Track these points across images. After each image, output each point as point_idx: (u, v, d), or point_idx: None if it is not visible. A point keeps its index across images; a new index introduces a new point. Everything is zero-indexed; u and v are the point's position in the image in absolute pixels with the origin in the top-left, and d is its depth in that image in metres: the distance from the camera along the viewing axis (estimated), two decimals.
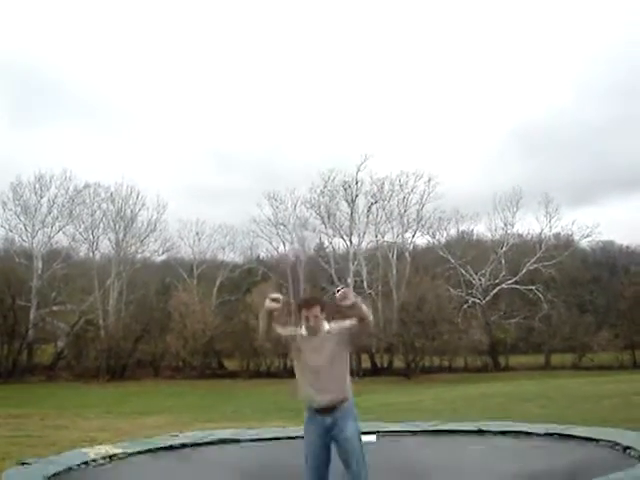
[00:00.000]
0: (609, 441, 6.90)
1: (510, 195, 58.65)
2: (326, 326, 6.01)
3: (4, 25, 77.07)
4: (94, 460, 5.84)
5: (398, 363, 53.17)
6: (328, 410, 5.88)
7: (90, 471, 5.61)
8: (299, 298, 5.63)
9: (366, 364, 52.87)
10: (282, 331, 6.06)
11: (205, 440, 6.92)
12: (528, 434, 7.89)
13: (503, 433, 8.09)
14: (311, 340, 5.94)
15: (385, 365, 54.56)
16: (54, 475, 5.11)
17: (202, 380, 49.35)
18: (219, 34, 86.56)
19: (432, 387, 37.06)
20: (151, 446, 6.93)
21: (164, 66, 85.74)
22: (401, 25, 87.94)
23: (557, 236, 60.57)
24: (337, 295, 5.72)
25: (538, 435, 7.76)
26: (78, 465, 5.60)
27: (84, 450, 6.13)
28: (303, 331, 6.01)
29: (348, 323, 5.98)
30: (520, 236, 60.98)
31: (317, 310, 5.96)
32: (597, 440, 7.14)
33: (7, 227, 55.97)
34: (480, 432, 8.22)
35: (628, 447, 6.17)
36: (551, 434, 7.18)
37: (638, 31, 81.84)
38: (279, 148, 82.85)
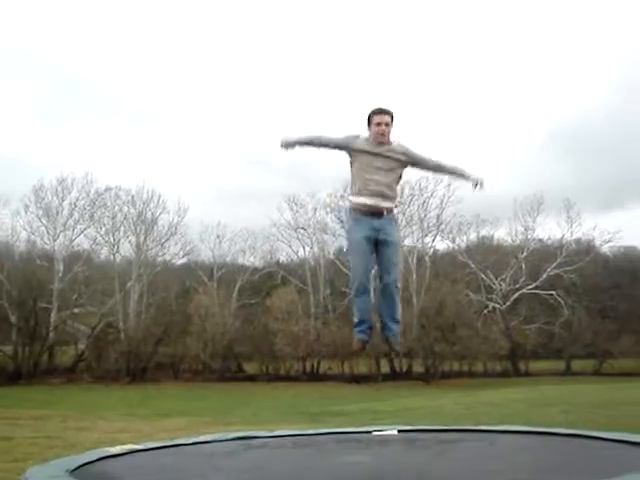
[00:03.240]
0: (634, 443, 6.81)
1: (531, 200, 58.47)
2: (392, 139, 6.12)
3: (30, 21, 77.53)
4: (117, 455, 5.88)
5: (417, 368, 53.08)
6: (380, 213, 6.01)
7: (113, 463, 5.65)
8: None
9: (385, 369, 52.82)
10: (333, 138, 6.19)
11: (224, 439, 6.94)
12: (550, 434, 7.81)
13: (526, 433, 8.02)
14: (376, 147, 6.03)
15: (404, 370, 54.46)
16: (77, 468, 5.14)
17: (221, 383, 49.48)
18: (243, 35, 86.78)
19: (452, 392, 36.94)
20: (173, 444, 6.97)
21: (188, 67, 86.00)
22: (416, 24, 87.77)
23: (578, 241, 60.33)
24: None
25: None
26: (101, 459, 5.64)
27: (106, 449, 6.16)
28: (368, 136, 6.11)
29: (419, 154, 6.21)
30: (541, 241, 60.77)
31: (389, 119, 6.07)
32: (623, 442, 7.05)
33: (29, 230, 56.56)
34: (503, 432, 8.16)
35: None
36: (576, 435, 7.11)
37: None
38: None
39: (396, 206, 6.27)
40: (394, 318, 6.17)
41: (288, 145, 6.14)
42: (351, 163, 6.13)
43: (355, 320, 6.13)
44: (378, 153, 6.00)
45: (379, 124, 5.99)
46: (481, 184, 6.22)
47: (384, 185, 6.01)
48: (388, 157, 6.02)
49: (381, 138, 6.00)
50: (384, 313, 6.16)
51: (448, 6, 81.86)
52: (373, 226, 5.98)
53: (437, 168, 6.47)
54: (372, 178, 5.97)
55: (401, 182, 6.29)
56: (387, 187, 6.03)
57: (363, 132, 6.16)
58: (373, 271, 6.08)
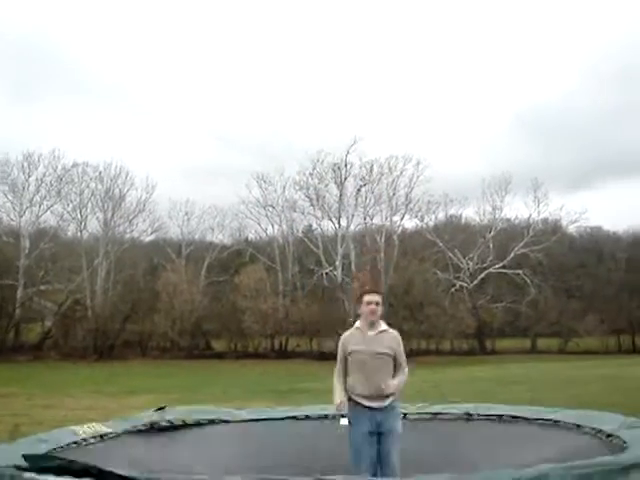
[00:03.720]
0: (593, 428, 6.94)
1: (499, 179, 58.84)
2: (382, 324, 6.27)
3: None
4: (84, 440, 5.84)
5: None
6: (378, 408, 6.02)
7: (80, 450, 5.61)
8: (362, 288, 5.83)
9: None
10: (342, 363, 6.21)
11: (194, 418, 6.97)
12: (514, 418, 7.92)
13: (490, 417, 8.13)
14: (367, 333, 6.16)
15: None
16: (45, 454, 5.11)
17: (189, 360, 49.42)
18: (212, 17, 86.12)
19: (419, 369, 37.14)
20: (140, 424, 6.96)
21: (156, 45, 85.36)
22: (392, 7, 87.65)
23: (545, 221, 60.86)
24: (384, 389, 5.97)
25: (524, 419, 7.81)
26: (67, 444, 5.60)
27: (73, 428, 6.13)
28: (357, 324, 6.28)
29: (400, 350, 6.28)
30: (508, 221, 61.23)
31: (379, 298, 6.26)
32: (581, 426, 7.18)
33: None
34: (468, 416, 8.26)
35: (610, 435, 6.23)
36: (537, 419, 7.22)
37: None
38: (270, 129, 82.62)
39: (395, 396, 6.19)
40: None
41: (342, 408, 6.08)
42: (347, 361, 6.17)
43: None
44: (371, 340, 6.10)
45: (369, 303, 6.16)
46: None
47: (380, 380, 6.02)
48: (380, 342, 6.13)
49: (372, 317, 6.17)
50: None
51: None
52: (375, 420, 5.98)
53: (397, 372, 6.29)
54: (368, 375, 6.03)
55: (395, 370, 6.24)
56: (380, 381, 6.02)
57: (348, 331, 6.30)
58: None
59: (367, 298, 6.18)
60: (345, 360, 6.13)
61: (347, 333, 6.25)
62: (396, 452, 5.97)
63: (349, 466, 5.88)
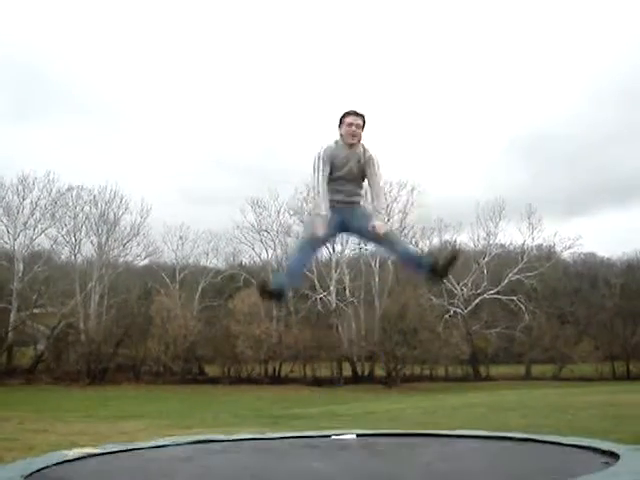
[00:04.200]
0: (587, 447, 6.91)
1: (493, 205, 59.04)
2: (360, 147, 6.15)
3: None
4: (74, 459, 5.82)
5: (379, 372, 53.25)
6: (351, 204, 6.14)
7: (69, 468, 5.59)
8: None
9: (347, 372, 52.96)
10: (326, 171, 6.06)
11: (182, 442, 6.91)
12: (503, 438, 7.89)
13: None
14: (345, 150, 6.07)
15: (366, 373, 54.60)
16: (34, 473, 5.08)
17: (183, 385, 49.24)
18: (208, 41, 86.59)
19: (413, 396, 37.14)
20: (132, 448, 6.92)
21: (151, 67, 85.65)
22: (384, 30, 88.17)
23: (539, 247, 61.06)
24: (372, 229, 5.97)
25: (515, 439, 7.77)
26: (57, 464, 5.57)
27: (64, 452, 6.10)
28: (338, 139, 6.13)
29: (379, 171, 6.22)
30: (502, 246, 61.29)
31: (361, 121, 6.12)
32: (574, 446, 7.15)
33: None
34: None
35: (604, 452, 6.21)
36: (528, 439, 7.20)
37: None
38: (264, 154, 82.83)
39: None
40: (411, 255, 6.50)
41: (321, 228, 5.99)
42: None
43: (284, 271, 6.30)
44: (347, 157, 6.05)
45: (350, 124, 6.04)
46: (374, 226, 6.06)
47: (354, 186, 6.15)
48: (355, 159, 6.09)
49: (351, 139, 6.03)
50: (414, 262, 6.37)
51: (415, 11, 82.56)
52: (343, 214, 6.08)
53: (375, 192, 6.29)
54: (343, 187, 6.08)
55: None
56: (357, 188, 6.18)
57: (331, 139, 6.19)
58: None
59: (349, 119, 6.06)
60: (329, 172, 6.05)
61: (327, 144, 6.10)
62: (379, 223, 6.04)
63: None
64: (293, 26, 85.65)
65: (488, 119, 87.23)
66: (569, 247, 60.01)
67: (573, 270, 64.91)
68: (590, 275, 63.87)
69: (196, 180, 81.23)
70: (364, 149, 6.13)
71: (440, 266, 6.13)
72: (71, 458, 5.80)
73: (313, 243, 6.10)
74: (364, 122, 6.14)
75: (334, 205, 6.01)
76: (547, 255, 60.87)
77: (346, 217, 6.08)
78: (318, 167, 5.96)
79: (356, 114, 6.11)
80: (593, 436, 8.30)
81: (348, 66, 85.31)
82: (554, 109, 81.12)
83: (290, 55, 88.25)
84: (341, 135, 6.10)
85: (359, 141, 6.10)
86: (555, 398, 25.74)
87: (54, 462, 5.55)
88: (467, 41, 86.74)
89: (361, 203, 6.26)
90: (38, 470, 5.18)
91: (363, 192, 6.26)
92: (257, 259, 62.74)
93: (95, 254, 56.67)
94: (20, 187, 54.60)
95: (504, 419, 17.66)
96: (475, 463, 5.59)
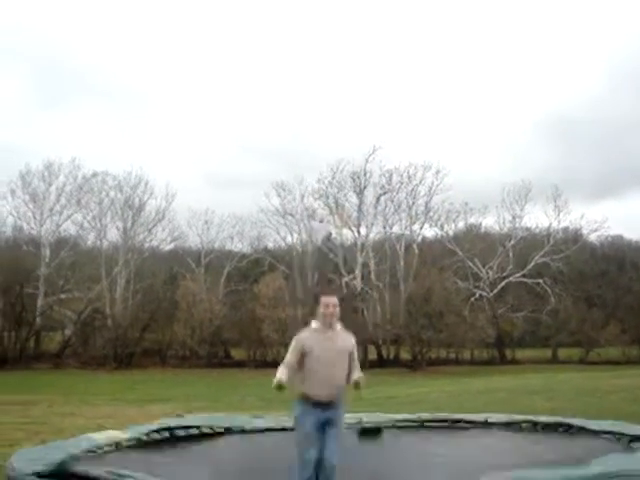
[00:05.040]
0: (614, 432, 6.88)
1: (519, 188, 58.61)
2: (338, 325, 6.28)
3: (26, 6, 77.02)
4: (102, 447, 5.86)
5: (404, 355, 53.19)
6: (330, 404, 6.09)
7: (98, 458, 5.63)
8: (317, 288, 5.85)
9: (372, 355, 52.92)
10: (294, 356, 6.18)
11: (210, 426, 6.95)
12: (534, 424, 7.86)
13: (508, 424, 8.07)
14: (325, 333, 6.18)
15: (391, 357, 54.56)
16: (63, 461, 5.12)
17: (209, 369, 49.43)
18: (235, 27, 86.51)
19: (438, 379, 37.06)
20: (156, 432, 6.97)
21: (176, 52, 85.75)
22: (410, 15, 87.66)
23: (565, 230, 60.56)
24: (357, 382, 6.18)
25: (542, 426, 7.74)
26: (86, 452, 5.61)
27: (91, 435, 6.14)
28: (314, 325, 6.25)
29: (355, 352, 6.40)
30: (528, 230, 60.94)
31: (336, 300, 6.25)
32: (601, 432, 7.12)
33: (16, 215, 56.26)
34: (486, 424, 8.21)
35: (633, 439, 6.16)
36: (556, 424, 7.17)
37: None
38: (289, 138, 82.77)
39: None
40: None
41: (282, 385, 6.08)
42: (305, 360, 6.15)
43: None
44: (328, 339, 6.15)
45: (327, 306, 6.18)
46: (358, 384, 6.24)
47: (337, 378, 6.14)
48: (337, 341, 6.21)
49: (329, 319, 6.19)
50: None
51: None
52: (323, 416, 6.07)
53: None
54: (326, 373, 6.07)
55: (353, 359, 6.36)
56: (340, 380, 6.16)
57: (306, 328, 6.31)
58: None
59: (324, 300, 6.19)
60: (297, 359, 6.12)
61: (303, 334, 6.24)
62: (338, 443, 6.09)
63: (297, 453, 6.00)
64: (317, 12, 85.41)
65: (514, 101, 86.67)
66: (596, 230, 59.55)
67: (600, 253, 64.38)
68: (617, 258, 63.33)
69: (221, 164, 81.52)
70: (346, 336, 6.33)
71: None
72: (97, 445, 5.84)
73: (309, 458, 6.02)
74: (340, 300, 6.32)
75: (314, 401, 6.08)
76: (574, 238, 60.39)
77: (326, 416, 6.08)
78: (289, 351, 6.20)
79: (330, 294, 6.30)
80: (622, 419, 8.25)
81: (374, 49, 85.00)
82: (581, 91, 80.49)
83: (316, 40, 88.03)
84: (318, 317, 6.22)
85: (336, 321, 6.22)
86: (582, 381, 25.57)
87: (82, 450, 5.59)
88: (494, 24, 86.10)
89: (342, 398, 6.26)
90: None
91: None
92: (282, 243, 62.84)
93: (121, 239, 57.00)
94: (46, 173, 55.05)
95: (530, 402, 17.59)
96: (501, 446, 5.58)
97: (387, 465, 6.17)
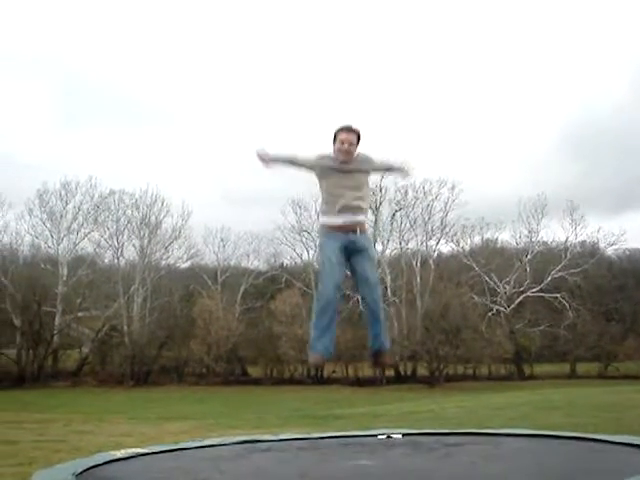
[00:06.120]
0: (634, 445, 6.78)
1: (535, 202, 58.47)
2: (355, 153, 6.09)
3: (40, 24, 77.72)
4: (122, 459, 5.87)
5: (422, 371, 53.03)
6: (353, 228, 5.95)
7: (118, 466, 5.64)
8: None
9: (390, 372, 52.78)
10: (306, 159, 6.10)
11: (228, 443, 6.93)
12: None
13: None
14: (341, 164, 5.98)
15: (409, 373, 54.40)
16: (83, 472, 5.12)
17: (225, 386, 49.49)
18: (246, 44, 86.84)
19: (456, 395, 36.91)
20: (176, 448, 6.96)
21: (193, 69, 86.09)
22: (423, 24, 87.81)
23: (582, 244, 60.32)
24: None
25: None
26: (106, 462, 5.62)
27: (111, 453, 6.15)
28: (333, 155, 6.06)
29: (377, 161, 6.22)
30: (545, 244, 60.71)
31: (354, 137, 6.01)
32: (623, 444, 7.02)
33: (33, 234, 56.74)
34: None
35: None
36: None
37: None
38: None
39: (367, 225, 6.25)
40: (379, 337, 6.23)
41: (266, 159, 6.04)
42: (320, 182, 6.07)
43: (314, 335, 6.15)
44: (345, 170, 5.97)
45: (343, 142, 5.95)
46: (406, 172, 6.23)
47: (354, 201, 5.96)
48: (354, 172, 6.01)
49: (345, 156, 5.97)
50: (370, 332, 6.24)
51: (460, 3, 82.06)
52: (347, 239, 5.93)
53: (387, 168, 6.46)
54: (342, 195, 5.92)
55: (370, 187, 6.26)
56: (357, 202, 5.99)
57: (329, 150, 6.11)
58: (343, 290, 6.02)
59: (342, 136, 5.96)
60: (310, 163, 6.07)
61: (324, 153, 6.06)
62: (374, 271, 6.08)
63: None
64: (329, 29, 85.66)
65: (529, 115, 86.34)
66: (613, 243, 59.24)
67: (618, 266, 63.99)
68: (635, 271, 62.92)
69: (236, 182, 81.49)
70: (359, 157, 6.10)
71: (379, 358, 6.31)
72: (119, 457, 5.85)
73: (329, 298, 6.09)
74: (359, 138, 6.06)
75: (334, 229, 5.98)
76: (591, 252, 60.12)
77: (349, 240, 5.97)
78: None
79: (349, 130, 6.03)
80: None
81: (387, 65, 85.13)
82: (598, 104, 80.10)
83: (331, 52, 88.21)
84: (334, 152, 6.03)
85: (352, 158, 6.02)
86: (601, 396, 25.39)
87: (103, 461, 5.61)
88: (510, 35, 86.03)
89: (366, 229, 6.16)
90: (88, 469, 5.23)
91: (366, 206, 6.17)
92: (298, 260, 62.88)
93: (137, 257, 57.28)
94: (63, 192, 55.61)
95: (549, 418, 17.47)
96: (520, 462, 5.53)
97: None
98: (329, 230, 6.00)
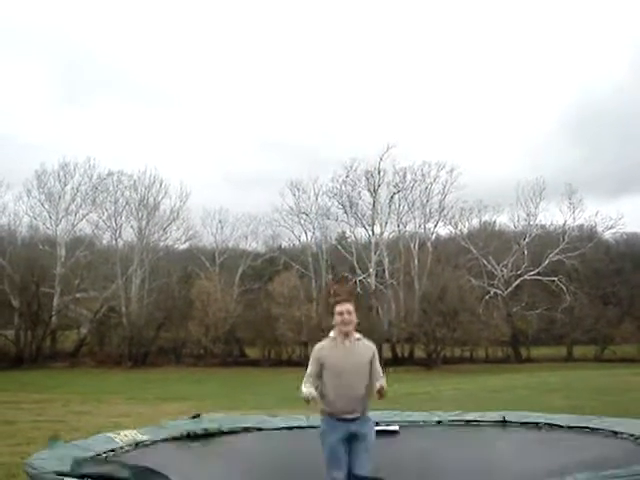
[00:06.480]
0: (631, 434, 6.84)
1: (533, 185, 58.40)
2: (356, 334, 6.10)
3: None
4: (121, 447, 5.88)
5: (419, 353, 53.16)
6: (354, 417, 5.95)
7: (118, 457, 5.65)
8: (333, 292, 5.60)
9: (387, 354, 52.90)
10: (314, 367, 6.09)
11: (228, 427, 6.96)
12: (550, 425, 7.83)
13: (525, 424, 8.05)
14: (343, 344, 6.02)
15: (406, 355, 54.52)
16: (83, 459, 5.14)
17: (223, 368, 49.52)
18: (250, 28, 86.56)
19: (453, 378, 36.99)
20: (175, 432, 6.99)
21: (191, 50, 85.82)
22: (424, 12, 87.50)
23: (580, 228, 60.28)
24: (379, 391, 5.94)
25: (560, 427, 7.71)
26: (104, 452, 5.63)
27: (109, 435, 6.16)
28: (332, 334, 6.10)
29: (376, 360, 6.15)
30: (543, 227, 60.68)
31: (350, 306, 6.07)
32: (619, 433, 7.08)
33: (31, 215, 56.59)
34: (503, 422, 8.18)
35: None
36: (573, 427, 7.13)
37: None
38: (303, 137, 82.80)
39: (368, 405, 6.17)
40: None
41: (312, 399, 5.99)
42: (322, 372, 6.06)
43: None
44: (346, 351, 5.99)
45: (342, 314, 6.01)
46: (379, 394, 6.01)
47: (357, 390, 5.97)
48: (355, 353, 6.03)
49: (345, 328, 6.02)
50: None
51: None
52: (349, 431, 5.93)
53: (373, 375, 6.17)
54: (344, 385, 5.94)
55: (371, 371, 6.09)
56: (359, 391, 5.98)
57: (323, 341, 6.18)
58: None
59: (339, 308, 6.04)
60: (318, 370, 6.04)
61: (321, 344, 6.12)
62: (368, 456, 5.94)
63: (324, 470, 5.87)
64: (333, 10, 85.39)
65: (528, 98, 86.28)
66: (611, 227, 59.23)
67: (615, 250, 64.01)
68: (633, 255, 62.97)
69: (234, 164, 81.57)
70: (365, 345, 6.14)
71: None
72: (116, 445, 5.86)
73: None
74: (355, 305, 6.13)
75: (337, 417, 5.96)
76: (589, 235, 60.08)
77: (350, 432, 5.94)
78: (310, 362, 6.12)
79: (344, 301, 6.12)
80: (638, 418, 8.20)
81: (387, 47, 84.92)
82: (597, 85, 79.93)
83: (332, 37, 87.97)
84: (334, 328, 6.09)
85: (353, 328, 6.06)
86: (598, 379, 25.49)
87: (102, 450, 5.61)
88: (509, 19, 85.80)
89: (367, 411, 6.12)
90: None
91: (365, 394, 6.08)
92: (296, 242, 62.88)
93: (136, 238, 57.20)
94: (61, 173, 55.46)
95: (547, 401, 17.54)
96: (522, 448, 5.56)
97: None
98: (330, 418, 6.01)
